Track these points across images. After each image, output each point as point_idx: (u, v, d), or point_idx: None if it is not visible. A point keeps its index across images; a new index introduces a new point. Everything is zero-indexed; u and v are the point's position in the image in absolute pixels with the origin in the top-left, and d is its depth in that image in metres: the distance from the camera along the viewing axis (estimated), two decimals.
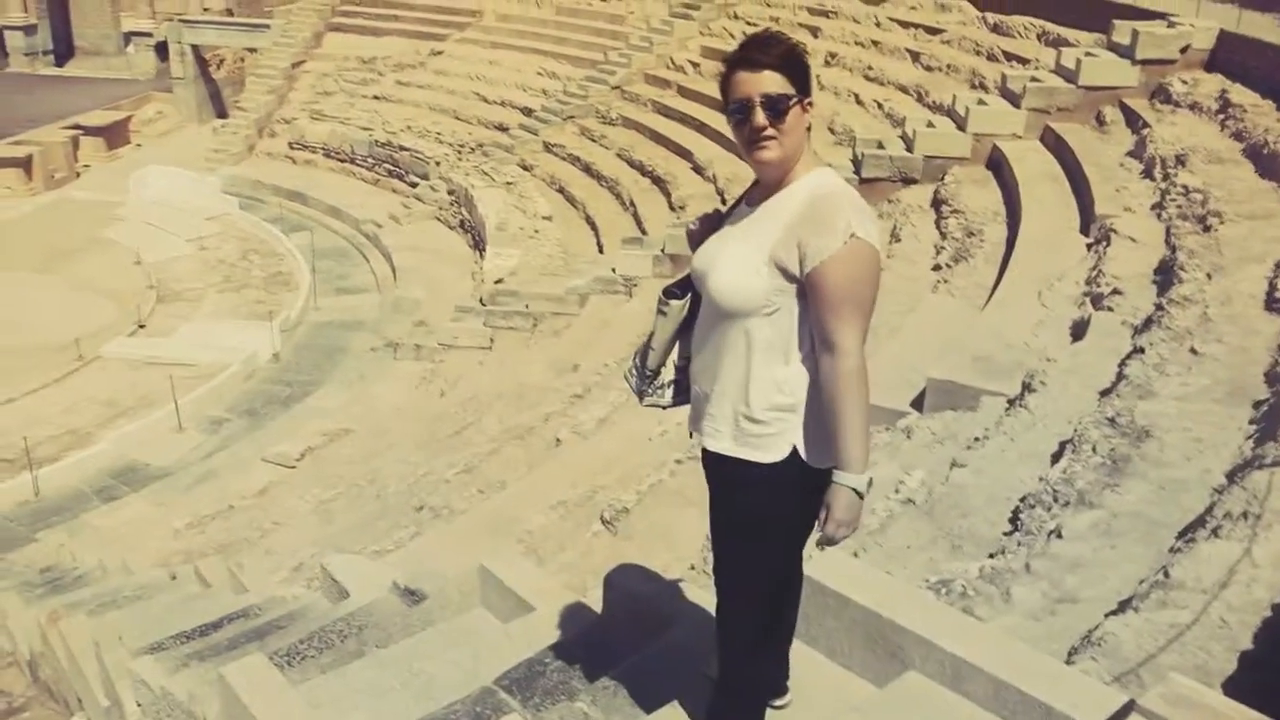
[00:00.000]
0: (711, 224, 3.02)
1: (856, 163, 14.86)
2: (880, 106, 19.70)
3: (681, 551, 6.89)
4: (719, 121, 22.88)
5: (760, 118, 2.74)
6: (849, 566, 4.06)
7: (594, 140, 26.23)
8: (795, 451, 2.86)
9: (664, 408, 3.25)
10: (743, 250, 2.81)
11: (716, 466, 3.01)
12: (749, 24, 26.41)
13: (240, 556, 10.96)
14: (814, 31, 24.10)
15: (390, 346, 19.91)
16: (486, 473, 11.48)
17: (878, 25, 23.24)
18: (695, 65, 26.18)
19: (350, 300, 24.57)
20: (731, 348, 2.87)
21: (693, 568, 6.23)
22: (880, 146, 14.98)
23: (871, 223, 2.73)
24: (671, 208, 21.28)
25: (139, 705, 5.70)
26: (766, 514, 2.95)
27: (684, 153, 22.99)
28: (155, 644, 6.64)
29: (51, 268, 26.53)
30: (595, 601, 5.05)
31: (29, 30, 46.40)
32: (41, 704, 7.70)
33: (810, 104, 2.80)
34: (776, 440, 2.87)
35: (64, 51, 47.81)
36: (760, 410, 2.86)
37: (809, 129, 2.82)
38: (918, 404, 7.79)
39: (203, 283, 25.99)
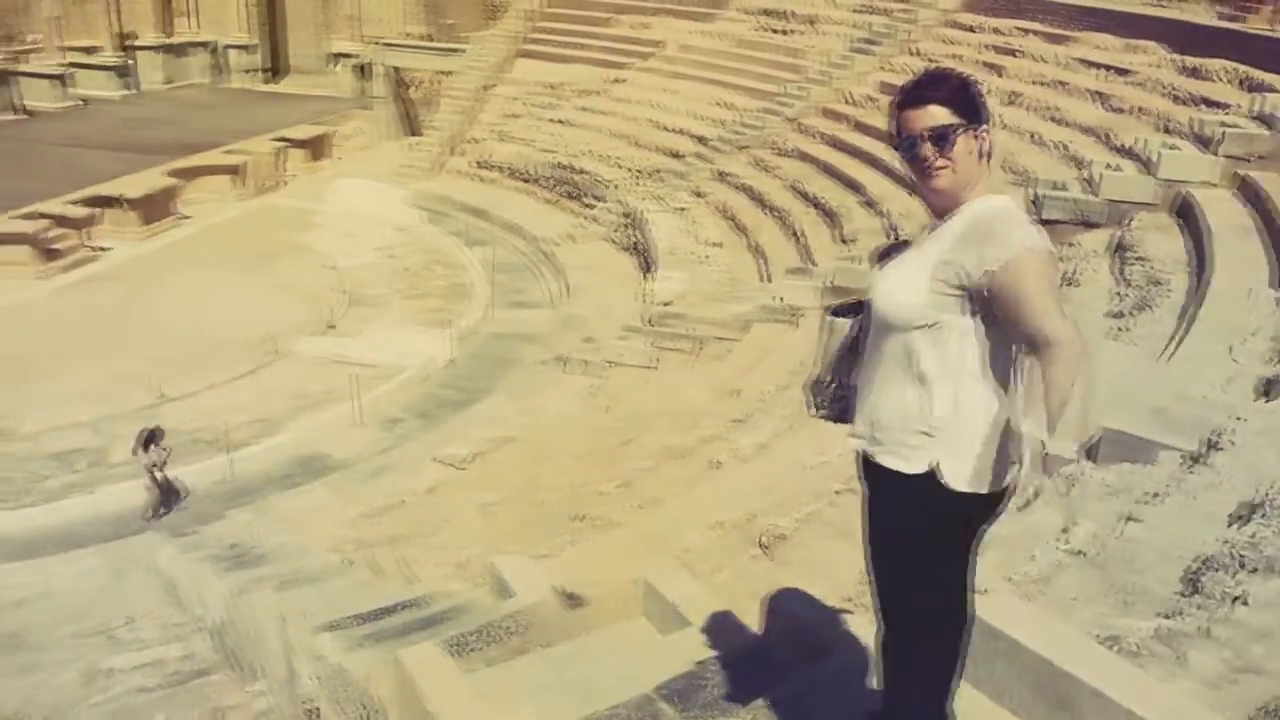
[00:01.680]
0: (896, 248, 3.20)
1: (1035, 203, 14.59)
2: (1062, 148, 19.22)
3: (838, 583, 6.88)
4: (893, 156, 22.65)
5: (927, 150, 2.90)
6: (1022, 611, 4.04)
7: (766, 171, 26.40)
8: (937, 469, 2.95)
9: (829, 420, 3.36)
10: (908, 268, 2.97)
11: (869, 474, 3.14)
12: (930, 60, 26.13)
13: (408, 549, 11.51)
14: (997, 70, 23.70)
15: (559, 361, 20.45)
16: (645, 489, 11.72)
17: (1063, 65, 22.67)
18: (872, 100, 26.05)
19: (524, 314, 25.33)
20: (893, 363, 3.00)
21: (849, 600, 6.26)
22: (1061, 188, 14.66)
23: (1043, 240, 2.83)
24: (840, 241, 21.23)
25: (316, 679, 6.07)
26: (909, 526, 3.05)
27: (856, 186, 22.91)
28: (332, 623, 7.10)
29: (254, 268, 28.30)
30: (754, 622, 5.16)
31: (248, 49, 49.74)
32: (224, 670, 8.25)
33: (984, 132, 2.92)
34: (919, 454, 2.97)
35: (277, 69, 51.01)
36: (912, 423, 2.97)
37: (986, 157, 2.94)
38: (1089, 453, 7.64)
39: (388, 289, 27.23)
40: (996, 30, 25.95)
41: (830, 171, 24.15)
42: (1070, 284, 12.73)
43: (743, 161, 27.20)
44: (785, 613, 4.89)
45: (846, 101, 26.89)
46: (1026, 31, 25.01)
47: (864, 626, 4.29)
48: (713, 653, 4.79)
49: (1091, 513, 6.47)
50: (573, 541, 10.32)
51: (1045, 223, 14.04)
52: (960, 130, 2.88)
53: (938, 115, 2.90)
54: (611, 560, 8.84)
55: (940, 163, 2.89)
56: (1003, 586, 4.93)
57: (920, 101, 2.95)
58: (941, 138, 2.88)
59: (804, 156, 25.62)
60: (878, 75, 27.23)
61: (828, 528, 8.07)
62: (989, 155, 2.95)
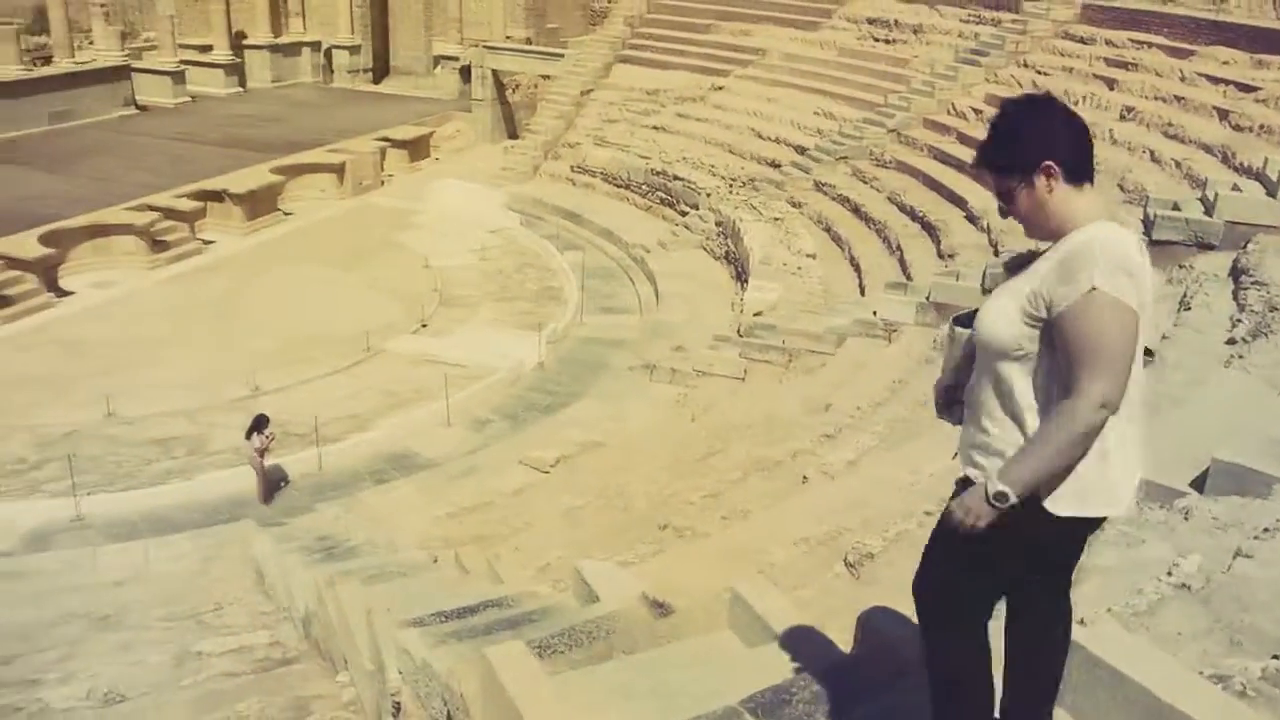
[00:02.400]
0: (1025, 260, 3.16)
1: (1147, 223, 14.08)
2: (1178, 166, 18.58)
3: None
4: None
5: (1002, 210, 3.06)
6: (1127, 642, 3.89)
7: (865, 182, 26.06)
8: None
9: (953, 424, 3.40)
10: (1004, 296, 3.00)
11: (960, 489, 3.15)
12: (1039, 73, 25.55)
13: (493, 550, 11.56)
14: (1110, 83, 23.06)
15: (647, 368, 20.40)
16: (731, 500, 11.60)
17: (1183, 80, 21.94)
18: (978, 112, 25.55)
19: (614, 319, 25.37)
20: (989, 387, 3.04)
21: None
22: (1175, 208, 14.13)
23: (1125, 277, 2.79)
24: (940, 255, 20.82)
25: (400, 673, 6.09)
26: (985, 539, 2.99)
27: (958, 200, 22.45)
28: (418, 619, 7.10)
29: (351, 266, 28.88)
30: (842, 639, 5.06)
31: (354, 50, 50.91)
32: (310, 659, 8.34)
33: (1045, 170, 2.92)
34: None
35: (381, 70, 52.10)
36: (996, 444, 3.01)
37: (1077, 184, 2.95)
38: (1198, 484, 7.31)
39: (481, 291, 27.54)
40: (1111, 42, 25.26)
41: (932, 184, 23.73)
42: (1183, 308, 12.25)
43: (842, 172, 26.90)
44: (875, 630, 4.78)
45: (951, 113, 26.43)
46: (1145, 44, 24.29)
47: None
48: (801, 668, 4.71)
49: (1199, 546, 6.20)
50: (657, 550, 10.24)
51: (1157, 244, 13.55)
52: (1019, 186, 2.97)
53: (995, 178, 3.03)
54: (696, 570, 8.74)
55: (1014, 218, 3.02)
56: (1104, 618, 4.77)
57: (979, 164, 3.10)
58: (1006, 198, 3.02)
59: (905, 168, 25.23)
60: (985, 87, 26.71)
61: (917, 549, 7.83)
62: (1071, 178, 2.94)
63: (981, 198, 21.59)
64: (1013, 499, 2.85)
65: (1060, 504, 2.90)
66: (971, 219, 21.27)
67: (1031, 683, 3.38)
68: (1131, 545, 6.17)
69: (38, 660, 9.34)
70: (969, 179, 22.82)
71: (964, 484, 3.11)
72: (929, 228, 22.23)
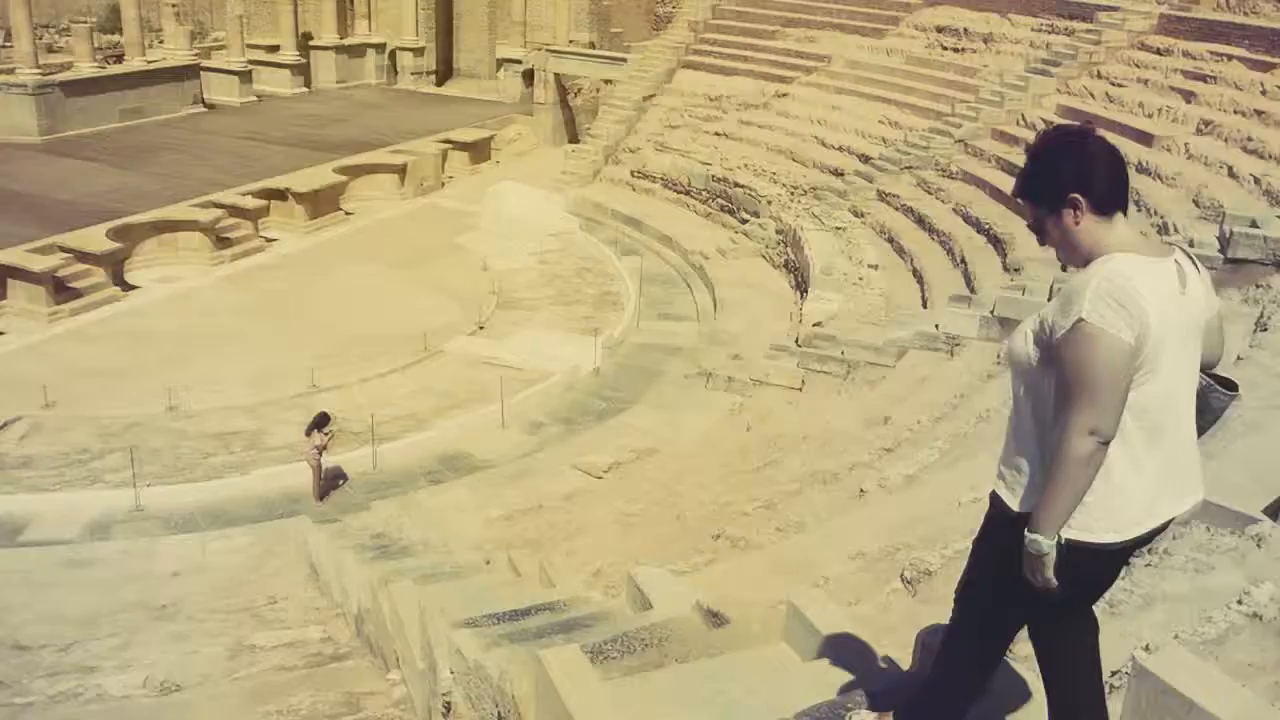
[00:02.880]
0: None
1: (1223, 241, 13.68)
2: (1257, 182, 18.08)
3: None
4: None
5: (1039, 240, 3.19)
6: (1199, 670, 3.74)
7: (930, 193, 25.71)
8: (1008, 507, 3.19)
9: None
10: (1031, 318, 3.11)
11: (991, 501, 3.31)
12: (1114, 84, 25.05)
13: (545, 553, 11.51)
14: (1187, 96, 22.53)
15: (704, 375, 20.29)
16: (786, 512, 11.45)
17: (1263, 93, 21.37)
18: (1048, 124, 25.06)
19: (671, 326, 25.31)
20: (1014, 397, 3.19)
21: None
22: (1254, 225, 13.72)
23: (1115, 308, 2.84)
24: (1006, 269, 20.44)
25: (452, 673, 6.06)
26: (1006, 555, 3.13)
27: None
28: (470, 619, 7.08)
29: (411, 265, 29.12)
30: (900, 656, 4.94)
31: (418, 52, 51.46)
32: (362, 655, 8.34)
33: (1071, 202, 3.00)
34: (1013, 494, 3.17)
35: (444, 72, 52.58)
36: (1017, 457, 3.17)
37: (1105, 215, 3.01)
38: (1272, 511, 7.04)
39: (539, 294, 27.61)
40: (1189, 54, 24.67)
41: (999, 196, 23.32)
42: (1260, 329, 11.88)
43: (907, 182, 26.57)
44: (933, 649, 4.64)
45: (1021, 124, 25.99)
46: (1224, 56, 23.68)
47: (1024, 672, 4.17)
48: (856, 685, 4.62)
49: (1273, 575, 5.97)
50: (711, 559, 10.14)
51: (1234, 262, 13.16)
52: (1048, 217, 3.06)
53: (1028, 208, 3.14)
54: (750, 581, 8.62)
55: (1047, 245, 3.13)
56: (1173, 645, 4.61)
57: (1015, 193, 3.22)
58: (1038, 228, 3.13)
59: (972, 179, 24.86)
60: (1056, 98, 26.22)
61: None
62: (1098, 210, 3.01)
63: None
64: (1047, 544, 2.97)
65: (1069, 531, 2.99)
66: None
67: (1078, 692, 3.48)
68: (1201, 571, 6.03)
69: (96, 647, 9.46)
70: None
71: (994, 496, 3.25)
72: (995, 240, 21.86)
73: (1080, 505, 2.96)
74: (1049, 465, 2.97)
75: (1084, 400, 2.85)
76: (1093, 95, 25.15)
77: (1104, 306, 2.83)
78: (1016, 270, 19.73)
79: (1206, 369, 3.21)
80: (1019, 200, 3.19)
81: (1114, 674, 4.78)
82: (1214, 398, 3.21)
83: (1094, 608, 3.50)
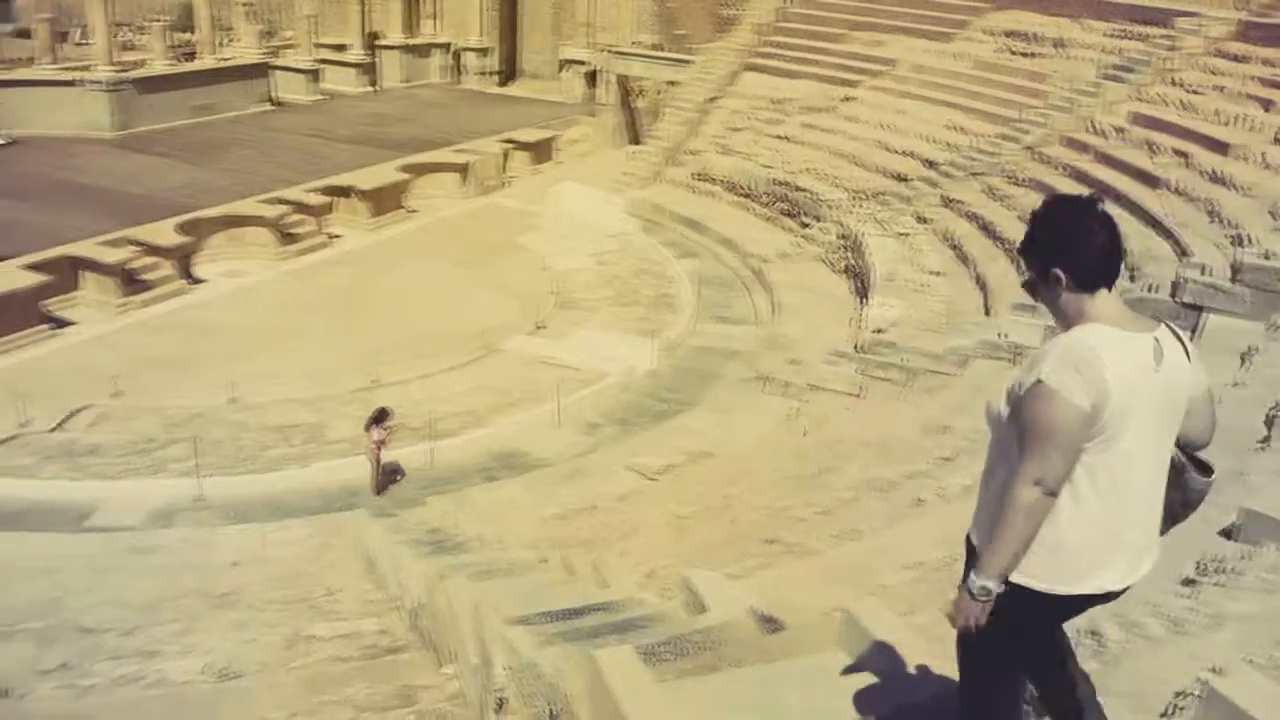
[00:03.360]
0: None
1: None
2: None
3: None
4: (1140, 193, 21.37)
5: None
6: (1273, 694, 3.64)
7: (997, 199, 25.34)
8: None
9: None
10: (1011, 376, 3.29)
11: (966, 545, 3.49)
12: (1190, 91, 24.49)
13: (598, 554, 11.49)
14: (1266, 104, 21.96)
15: (761, 379, 20.16)
16: (843, 519, 11.33)
17: None
18: (1121, 131, 24.60)
19: (728, 329, 25.20)
20: (989, 449, 3.35)
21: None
22: None
23: (1074, 374, 2.98)
24: None
25: (506, 669, 6.06)
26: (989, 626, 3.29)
27: None
28: (524, 617, 7.09)
29: (472, 264, 29.33)
30: (954, 669, 4.85)
31: (483, 52, 51.89)
32: (416, 649, 8.38)
33: (1054, 276, 3.15)
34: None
35: (509, 73, 52.95)
36: (984, 506, 3.35)
37: (1087, 291, 3.13)
38: None
39: (597, 295, 27.64)
40: (1268, 61, 24.05)
41: None
42: None
43: (973, 189, 26.21)
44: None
45: (1091, 131, 25.48)
46: None
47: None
48: (915, 695, 4.58)
49: None
50: (765, 564, 10.06)
51: None
52: (1038, 281, 3.22)
53: (1025, 270, 3.32)
54: (805, 587, 8.55)
55: (1040, 307, 3.37)
56: (1244, 668, 4.49)
57: (1018, 250, 3.40)
58: (1029, 289, 3.31)
59: (1040, 187, 24.41)
60: (1129, 105, 25.65)
61: None
62: (1078, 286, 3.13)
63: (1120, 221, 20.72)
64: (994, 589, 3.16)
65: (1018, 575, 3.18)
66: None
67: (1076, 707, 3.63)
68: (1272, 592, 5.93)
69: (158, 633, 9.61)
70: (1110, 200, 21.91)
71: (969, 541, 3.41)
72: None
73: (1030, 554, 3.14)
74: (999, 516, 3.14)
75: (1033, 452, 3.03)
76: (1167, 102, 24.61)
77: (1063, 371, 2.99)
78: None
79: (1194, 449, 3.31)
80: (1023, 257, 3.34)
81: (1179, 695, 4.65)
82: (1190, 479, 3.27)
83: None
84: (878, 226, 25.88)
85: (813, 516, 11.73)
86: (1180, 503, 3.29)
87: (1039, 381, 3.01)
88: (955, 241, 24.41)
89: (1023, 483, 3.05)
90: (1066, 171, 24.50)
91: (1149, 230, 19.49)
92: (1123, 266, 3.22)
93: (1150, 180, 21.62)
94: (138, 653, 9.02)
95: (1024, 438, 3.06)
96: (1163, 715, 4.52)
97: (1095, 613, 5.58)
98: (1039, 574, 3.17)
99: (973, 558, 3.32)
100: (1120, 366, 3.00)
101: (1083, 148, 24.95)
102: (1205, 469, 3.30)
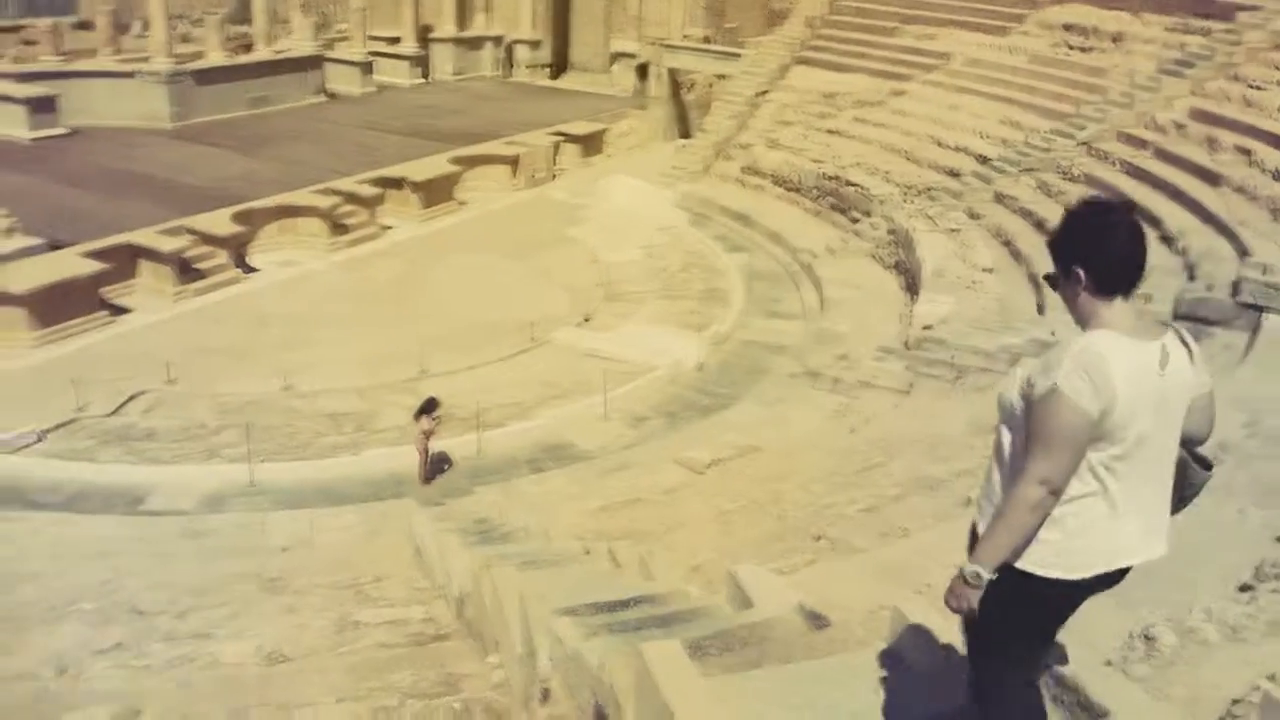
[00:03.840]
0: None
1: None
2: None
3: (1095, 643, 6.35)
4: (1198, 190, 20.96)
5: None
6: None
7: (1051, 196, 24.96)
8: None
9: None
10: (1021, 367, 3.41)
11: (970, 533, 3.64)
12: (1252, 86, 23.96)
13: (644, 546, 11.50)
14: None
15: (809, 375, 20.05)
16: (890, 516, 11.24)
17: None
18: (1180, 127, 24.12)
19: (777, 324, 25.09)
20: (997, 438, 3.49)
21: (1108, 663, 5.72)
22: None
23: (1085, 382, 3.14)
24: None
25: (550, 660, 6.09)
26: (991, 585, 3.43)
27: (1152, 220, 21.20)
28: (569, 608, 7.09)
29: (521, 256, 29.45)
30: None
31: (534, 45, 52.05)
32: (462, 637, 8.45)
33: (1074, 275, 3.31)
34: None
35: (559, 66, 53.05)
36: (988, 493, 3.51)
37: (1104, 296, 3.29)
38: None
39: (646, 288, 27.64)
40: None
41: None
42: None
43: (1026, 185, 25.86)
44: (1054, 671, 4.48)
45: (1149, 127, 25.01)
46: None
47: (1135, 693, 4.23)
48: (962, 695, 4.49)
49: None
50: (811, 560, 10.00)
51: None
52: (1061, 278, 3.37)
53: (1050, 264, 3.44)
54: (852, 585, 8.48)
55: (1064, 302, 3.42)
56: None
57: (1047, 243, 3.52)
58: (1051, 283, 3.45)
59: (1096, 183, 24.01)
60: (1189, 100, 25.13)
61: None
62: (1096, 289, 3.30)
63: (1178, 219, 20.40)
64: (986, 575, 3.31)
65: (1023, 561, 3.33)
66: (1166, 239, 20.01)
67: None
68: None
69: (211, 615, 9.77)
70: (1168, 198, 21.58)
71: (973, 529, 3.56)
72: None
73: (1040, 543, 3.31)
74: (1001, 506, 3.33)
75: (1039, 454, 3.21)
76: (1229, 98, 24.10)
77: (1076, 377, 3.15)
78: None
79: (1194, 443, 3.49)
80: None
81: (1235, 703, 4.57)
82: (1191, 473, 3.49)
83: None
84: (928, 222, 25.62)
85: (859, 514, 11.65)
86: (1179, 495, 3.49)
87: (1054, 386, 3.16)
88: (1008, 238, 24.09)
89: (1029, 481, 3.22)
90: (1123, 168, 24.10)
91: (1208, 228, 19.13)
92: (1142, 277, 3.33)
93: (1210, 177, 21.19)
94: (191, 634, 9.18)
95: (1034, 437, 3.23)
96: None
97: (1150, 617, 5.51)
98: (1041, 561, 3.34)
99: (975, 543, 3.47)
100: (1128, 373, 3.18)
101: (1140, 144, 24.51)
102: (1205, 464, 3.51)
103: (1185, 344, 3.35)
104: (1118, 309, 3.28)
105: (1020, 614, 3.48)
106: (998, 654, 3.68)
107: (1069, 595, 3.45)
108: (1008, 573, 3.35)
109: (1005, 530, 3.28)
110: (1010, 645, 3.64)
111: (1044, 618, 3.59)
